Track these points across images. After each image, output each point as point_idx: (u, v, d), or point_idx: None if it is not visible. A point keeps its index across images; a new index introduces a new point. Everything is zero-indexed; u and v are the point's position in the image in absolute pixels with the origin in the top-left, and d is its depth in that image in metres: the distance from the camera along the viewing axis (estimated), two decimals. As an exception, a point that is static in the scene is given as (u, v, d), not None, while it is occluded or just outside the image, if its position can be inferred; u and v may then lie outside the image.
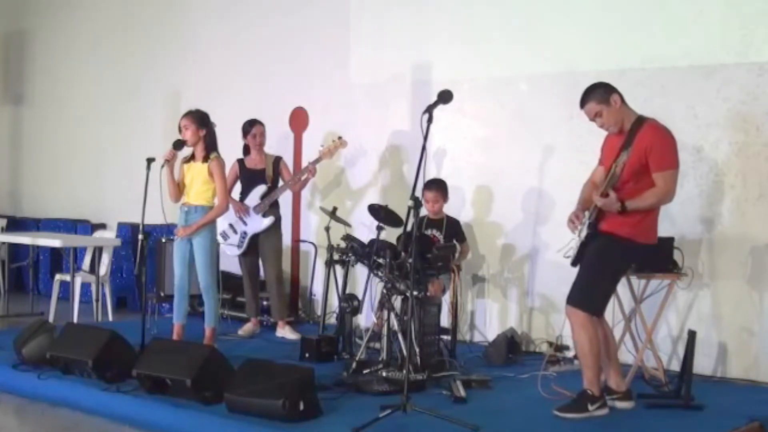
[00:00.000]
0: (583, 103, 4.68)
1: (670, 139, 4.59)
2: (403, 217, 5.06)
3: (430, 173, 6.53)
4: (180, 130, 5.98)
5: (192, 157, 6.04)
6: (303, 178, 6.86)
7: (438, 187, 6.35)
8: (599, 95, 4.62)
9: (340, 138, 6.93)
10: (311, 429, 4.32)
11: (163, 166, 5.87)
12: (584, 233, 4.64)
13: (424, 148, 4.59)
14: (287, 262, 7.57)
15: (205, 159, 5.96)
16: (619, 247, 4.58)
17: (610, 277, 4.64)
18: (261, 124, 6.88)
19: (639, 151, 4.50)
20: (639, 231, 4.58)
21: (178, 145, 5.94)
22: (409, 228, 4.91)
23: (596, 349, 4.58)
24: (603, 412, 4.60)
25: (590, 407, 4.56)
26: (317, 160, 6.87)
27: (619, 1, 6.21)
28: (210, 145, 5.99)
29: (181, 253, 6.02)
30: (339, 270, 6.39)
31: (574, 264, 4.71)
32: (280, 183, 6.90)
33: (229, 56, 8.53)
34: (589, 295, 4.57)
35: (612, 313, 5.50)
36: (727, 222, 5.72)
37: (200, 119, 5.96)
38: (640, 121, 4.61)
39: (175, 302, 6.11)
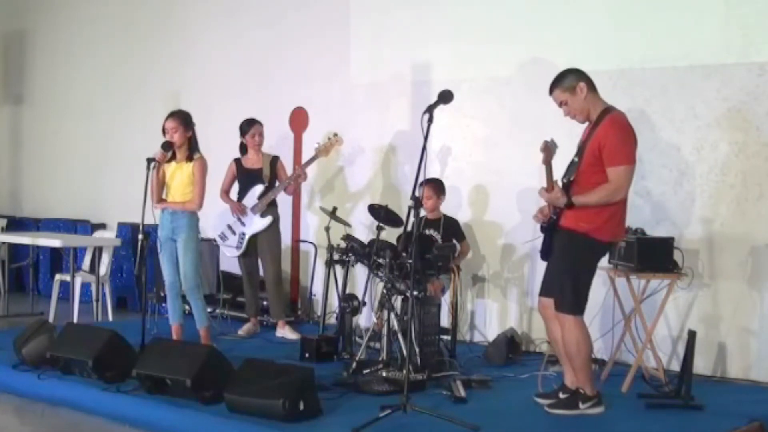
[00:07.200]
0: (551, 90, 4.66)
1: (626, 133, 4.50)
2: (403, 217, 5.05)
3: (431, 173, 6.52)
4: (164, 132, 5.95)
5: (173, 157, 6.02)
6: (296, 179, 6.85)
7: (433, 183, 6.36)
8: (566, 83, 4.60)
9: (335, 135, 6.93)
10: (311, 429, 4.32)
11: (154, 168, 5.82)
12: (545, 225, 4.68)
13: (424, 148, 4.58)
14: (287, 262, 7.56)
15: (189, 159, 5.95)
16: (578, 243, 4.55)
17: (579, 274, 4.59)
18: (260, 123, 6.86)
19: (595, 143, 4.47)
20: (596, 227, 4.52)
21: (167, 147, 5.91)
22: (409, 228, 4.91)
23: (584, 351, 4.61)
24: (596, 411, 4.62)
25: (581, 405, 4.60)
26: (313, 158, 6.87)
27: (619, 1, 6.21)
28: (194, 146, 5.99)
29: (168, 252, 6.01)
30: (339, 270, 6.39)
31: (544, 258, 4.73)
32: (278, 182, 6.90)
33: (229, 56, 8.52)
34: (567, 298, 4.58)
35: (612, 313, 5.50)
36: (727, 222, 5.71)
37: (186, 120, 5.97)
38: (605, 112, 4.55)
39: (168, 303, 6.10)
